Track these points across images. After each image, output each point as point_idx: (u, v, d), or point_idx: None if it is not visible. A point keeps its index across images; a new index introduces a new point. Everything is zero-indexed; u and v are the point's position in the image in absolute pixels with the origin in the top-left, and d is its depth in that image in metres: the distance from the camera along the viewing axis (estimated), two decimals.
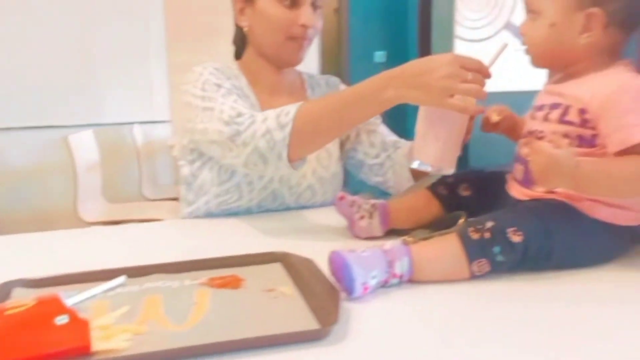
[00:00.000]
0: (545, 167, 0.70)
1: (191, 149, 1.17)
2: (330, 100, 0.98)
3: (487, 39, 4.02)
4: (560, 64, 0.83)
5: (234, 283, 0.73)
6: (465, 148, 0.91)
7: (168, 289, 0.72)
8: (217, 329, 0.60)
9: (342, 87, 1.34)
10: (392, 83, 0.86)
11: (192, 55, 3.22)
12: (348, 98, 0.94)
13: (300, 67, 1.24)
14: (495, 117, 0.89)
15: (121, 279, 0.73)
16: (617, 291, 0.72)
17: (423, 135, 0.86)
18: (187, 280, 0.74)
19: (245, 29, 1.19)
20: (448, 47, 3.73)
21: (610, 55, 0.79)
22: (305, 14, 1.12)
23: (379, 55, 4.49)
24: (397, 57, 4.43)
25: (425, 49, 4.09)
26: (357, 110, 0.92)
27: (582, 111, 0.76)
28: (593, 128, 0.75)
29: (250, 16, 1.16)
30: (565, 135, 0.77)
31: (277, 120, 0.95)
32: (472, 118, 0.90)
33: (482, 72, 0.82)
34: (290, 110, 0.95)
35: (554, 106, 0.80)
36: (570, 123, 0.77)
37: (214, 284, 0.73)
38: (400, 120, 1.36)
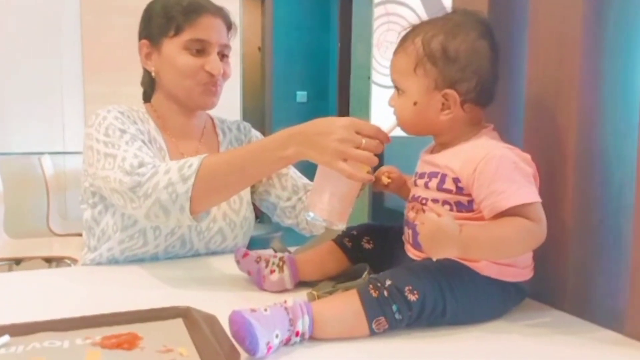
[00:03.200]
0: (432, 236, 0.73)
1: (92, 192, 1.13)
2: (234, 154, 0.98)
3: None
4: (428, 134, 0.89)
5: (129, 343, 0.70)
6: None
7: (57, 349, 0.67)
8: None
9: (254, 132, 1.35)
10: (293, 140, 0.87)
11: (109, 86, 3.13)
12: (251, 153, 0.94)
13: (222, 105, 1.22)
14: (385, 180, 0.93)
15: (4, 338, 0.68)
16: (508, 345, 0.75)
17: (318, 190, 0.87)
18: (79, 339, 0.70)
19: (152, 74, 1.18)
20: (366, 91, 3.88)
21: (473, 125, 0.85)
22: (212, 61, 1.12)
23: (301, 96, 4.57)
24: (318, 98, 4.54)
25: (344, 92, 4.22)
26: (259, 166, 0.93)
27: (456, 180, 0.81)
28: (468, 195, 0.80)
29: (157, 61, 1.15)
30: (445, 202, 0.82)
31: (179, 172, 0.93)
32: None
33: (379, 138, 0.85)
34: (193, 162, 0.94)
35: (432, 174, 0.85)
36: (447, 191, 0.82)
37: (107, 344, 0.69)
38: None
